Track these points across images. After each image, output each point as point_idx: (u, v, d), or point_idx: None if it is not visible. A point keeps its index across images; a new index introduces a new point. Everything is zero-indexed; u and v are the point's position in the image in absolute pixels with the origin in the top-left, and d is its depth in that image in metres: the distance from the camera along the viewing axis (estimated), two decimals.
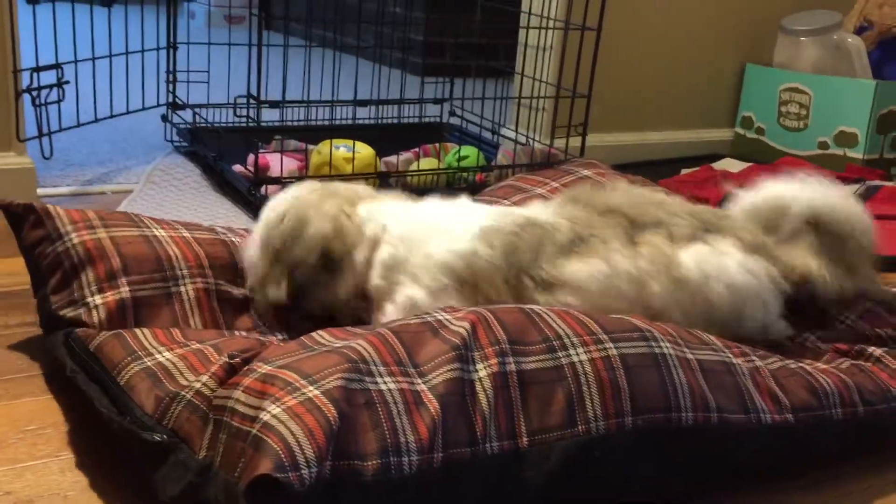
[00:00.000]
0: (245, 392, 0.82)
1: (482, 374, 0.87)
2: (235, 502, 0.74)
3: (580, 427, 0.87)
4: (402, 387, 0.83)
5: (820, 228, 1.26)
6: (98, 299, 1.11)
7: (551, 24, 2.22)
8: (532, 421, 0.86)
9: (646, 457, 0.92)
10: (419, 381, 0.85)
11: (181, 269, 1.18)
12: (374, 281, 1.16)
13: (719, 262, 1.14)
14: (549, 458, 0.85)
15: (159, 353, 0.97)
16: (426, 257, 1.13)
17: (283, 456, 0.73)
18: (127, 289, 1.13)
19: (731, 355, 1.03)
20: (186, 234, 1.27)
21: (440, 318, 0.93)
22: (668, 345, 0.95)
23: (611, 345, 0.92)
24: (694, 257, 1.14)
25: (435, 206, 1.21)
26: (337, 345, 0.88)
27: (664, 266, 1.13)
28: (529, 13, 2.32)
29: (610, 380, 0.90)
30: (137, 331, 1.04)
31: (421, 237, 1.15)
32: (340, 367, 0.82)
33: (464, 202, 1.24)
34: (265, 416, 0.77)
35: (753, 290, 1.15)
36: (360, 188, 1.27)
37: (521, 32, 2.45)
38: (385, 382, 0.83)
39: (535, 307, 0.97)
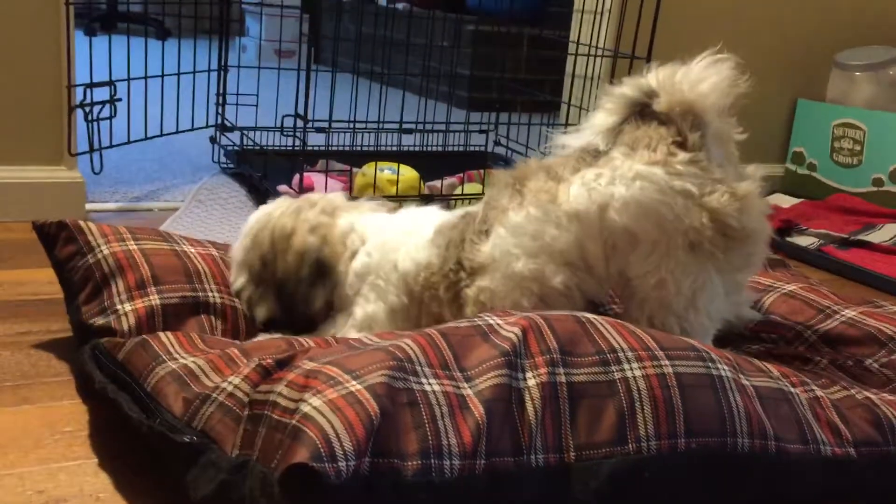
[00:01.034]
0: (288, 386, 0.80)
1: (531, 383, 0.83)
2: (270, 492, 0.71)
3: (630, 446, 0.83)
4: (447, 390, 0.80)
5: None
6: (128, 307, 1.11)
7: (600, 52, 2.21)
8: (580, 435, 0.82)
9: (697, 483, 0.87)
10: (465, 385, 0.82)
11: (208, 283, 1.19)
12: (344, 289, 1.17)
13: (602, 185, 1.06)
14: (597, 476, 0.81)
15: (182, 357, 0.96)
16: (393, 269, 1.14)
17: (320, 446, 0.70)
18: (157, 297, 1.13)
19: (788, 384, 0.98)
20: (214, 253, 1.28)
21: (491, 321, 0.90)
22: (725, 367, 0.91)
23: (667, 362, 0.88)
24: (579, 186, 1.06)
25: (408, 214, 1.23)
26: (383, 344, 0.85)
27: (549, 202, 1.07)
28: (578, 42, 2.31)
29: (664, 398, 0.85)
30: (161, 335, 1.03)
31: (393, 246, 1.16)
32: (385, 364, 0.80)
33: (433, 209, 1.25)
34: (305, 408, 0.75)
35: (649, 190, 1.04)
36: (337, 197, 1.26)
37: (569, 62, 2.44)
38: (430, 384, 0.80)
39: (588, 315, 0.93)
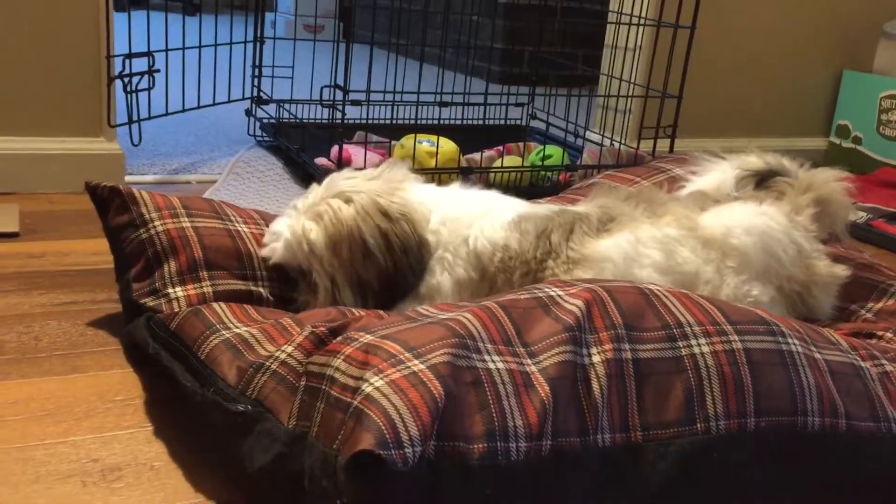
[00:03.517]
0: (346, 361, 0.77)
1: (596, 359, 0.81)
2: (333, 476, 0.69)
3: (699, 425, 0.80)
4: (511, 367, 0.78)
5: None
6: (179, 291, 1.09)
7: (642, 22, 2.15)
8: (647, 414, 0.80)
9: (766, 463, 0.84)
10: (529, 361, 0.79)
11: (260, 271, 1.16)
12: None
13: (735, 213, 1.17)
14: (665, 457, 0.78)
15: (236, 326, 0.94)
16: (463, 244, 1.12)
17: (385, 432, 0.68)
18: (208, 283, 1.10)
19: (858, 357, 0.95)
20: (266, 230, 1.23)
21: (552, 293, 0.87)
22: (795, 341, 0.88)
23: (735, 337, 0.85)
24: (712, 216, 1.16)
25: (471, 194, 1.19)
26: (442, 316, 0.83)
27: (690, 229, 1.13)
28: (620, 12, 2.25)
29: (733, 376, 0.82)
30: (215, 305, 1.01)
31: (465, 223, 1.13)
32: (447, 342, 0.77)
33: (493, 193, 1.22)
34: (367, 388, 0.72)
35: (775, 230, 1.16)
36: (398, 172, 1.19)
37: (609, 33, 2.38)
38: (493, 361, 0.77)
39: (651, 287, 0.90)
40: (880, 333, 1.12)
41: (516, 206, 1.17)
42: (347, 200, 1.10)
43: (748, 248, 1.13)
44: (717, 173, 1.35)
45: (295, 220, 1.13)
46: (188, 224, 1.16)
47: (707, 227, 1.14)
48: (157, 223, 1.15)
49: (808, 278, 1.16)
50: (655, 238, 1.10)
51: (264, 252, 1.15)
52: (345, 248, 1.08)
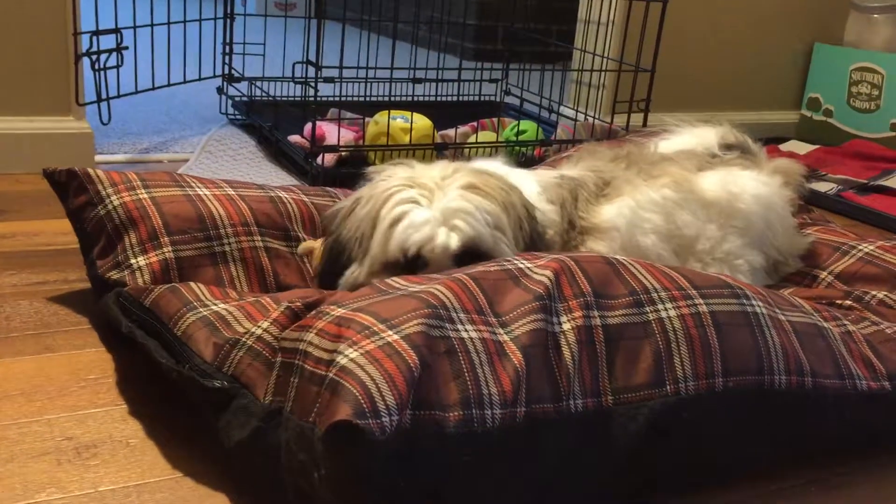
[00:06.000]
0: (318, 335, 0.77)
1: (566, 327, 0.82)
2: (310, 448, 0.70)
3: (668, 387, 0.82)
4: (484, 336, 0.78)
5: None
6: (141, 261, 1.08)
7: None
8: (617, 379, 0.81)
9: (736, 422, 0.86)
10: (501, 331, 0.80)
11: (224, 228, 1.14)
12: None
13: (740, 180, 1.21)
14: (636, 419, 0.80)
15: (214, 304, 0.94)
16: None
17: (362, 402, 0.68)
18: (170, 248, 1.10)
19: (821, 318, 0.97)
20: (231, 192, 1.21)
21: (521, 265, 0.88)
22: (759, 303, 0.89)
23: (701, 301, 0.86)
24: (715, 180, 1.19)
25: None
26: (413, 289, 0.83)
27: (689, 191, 1.16)
28: None
29: (700, 338, 0.84)
30: (192, 284, 1.01)
31: None
32: (420, 312, 0.77)
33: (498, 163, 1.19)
34: (342, 360, 0.72)
35: (776, 203, 1.24)
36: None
37: (582, 7, 2.38)
38: (466, 331, 0.78)
39: (617, 257, 0.91)
40: (839, 302, 1.15)
41: (527, 176, 1.13)
42: (481, 173, 1.02)
43: (753, 214, 1.19)
44: (693, 138, 1.37)
45: (447, 201, 0.96)
46: (145, 195, 1.16)
47: (709, 191, 1.18)
48: (113, 198, 1.15)
49: (790, 250, 1.26)
50: (654, 201, 1.13)
51: (437, 246, 0.95)
52: (513, 215, 1.00)
